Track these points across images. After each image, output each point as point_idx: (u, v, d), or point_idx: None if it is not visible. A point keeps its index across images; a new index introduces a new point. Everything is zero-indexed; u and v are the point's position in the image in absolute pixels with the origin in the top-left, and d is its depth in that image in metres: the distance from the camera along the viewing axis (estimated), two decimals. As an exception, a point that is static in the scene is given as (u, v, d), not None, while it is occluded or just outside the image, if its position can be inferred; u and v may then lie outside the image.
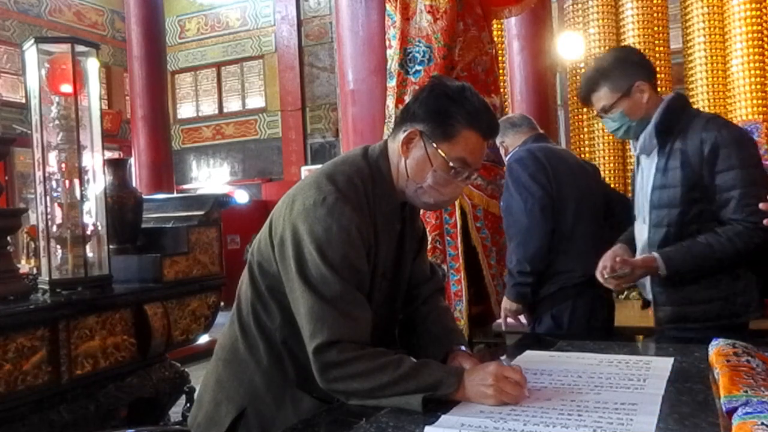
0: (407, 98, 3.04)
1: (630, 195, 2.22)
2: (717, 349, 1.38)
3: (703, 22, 6.99)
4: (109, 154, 3.05)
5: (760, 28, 6.71)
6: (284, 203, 1.35)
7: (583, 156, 7.76)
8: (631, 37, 7.32)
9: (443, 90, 1.36)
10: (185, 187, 12.95)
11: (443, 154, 1.32)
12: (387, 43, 3.26)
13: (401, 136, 1.36)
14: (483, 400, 1.18)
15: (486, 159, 3.00)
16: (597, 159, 7.61)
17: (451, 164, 1.33)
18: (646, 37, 7.30)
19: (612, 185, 7.60)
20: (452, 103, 1.33)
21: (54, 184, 2.41)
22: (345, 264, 1.26)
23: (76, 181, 2.42)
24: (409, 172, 1.36)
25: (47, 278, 2.34)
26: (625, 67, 1.95)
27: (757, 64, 6.70)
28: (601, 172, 7.76)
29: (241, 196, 11.42)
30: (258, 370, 1.38)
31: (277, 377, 1.37)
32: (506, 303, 2.46)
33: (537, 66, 6.89)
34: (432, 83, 1.41)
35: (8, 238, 2.41)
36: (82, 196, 2.42)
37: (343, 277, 1.25)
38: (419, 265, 1.56)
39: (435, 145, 1.33)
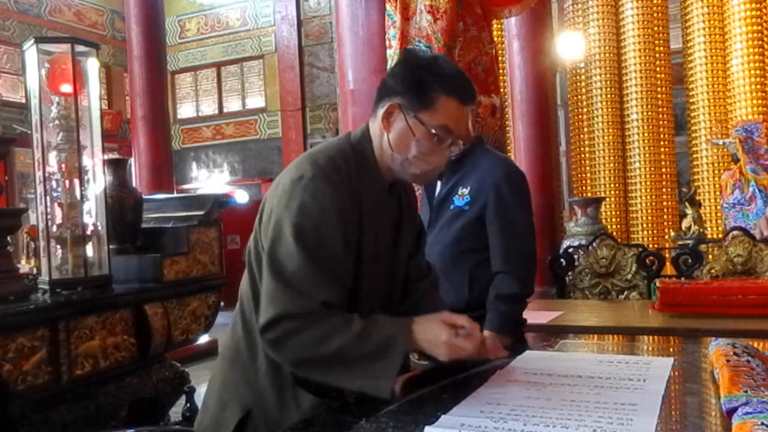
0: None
1: None
2: (717, 349, 1.38)
3: (703, 22, 6.99)
4: (109, 155, 3.04)
5: (760, 28, 6.71)
6: (270, 189, 1.37)
7: (583, 156, 7.74)
8: (631, 37, 7.33)
9: (416, 61, 1.39)
10: (185, 187, 12.95)
11: (423, 123, 1.33)
12: (387, 43, 3.26)
13: (380, 111, 1.37)
14: (436, 355, 1.24)
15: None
16: (597, 159, 7.61)
17: (433, 131, 1.33)
18: (646, 37, 7.31)
19: (613, 185, 7.60)
20: (426, 72, 1.34)
21: (54, 184, 2.41)
22: (318, 243, 1.25)
23: (76, 181, 2.42)
24: (392, 145, 1.36)
25: (47, 278, 2.34)
26: None
27: (757, 64, 6.70)
28: (602, 172, 7.78)
29: (241, 196, 11.43)
30: (261, 370, 1.38)
31: (278, 376, 1.37)
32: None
33: (537, 66, 6.89)
34: (404, 56, 1.43)
35: (8, 238, 2.41)
36: (82, 196, 2.42)
37: (312, 257, 1.24)
38: (417, 260, 1.58)
39: (414, 114, 1.33)
